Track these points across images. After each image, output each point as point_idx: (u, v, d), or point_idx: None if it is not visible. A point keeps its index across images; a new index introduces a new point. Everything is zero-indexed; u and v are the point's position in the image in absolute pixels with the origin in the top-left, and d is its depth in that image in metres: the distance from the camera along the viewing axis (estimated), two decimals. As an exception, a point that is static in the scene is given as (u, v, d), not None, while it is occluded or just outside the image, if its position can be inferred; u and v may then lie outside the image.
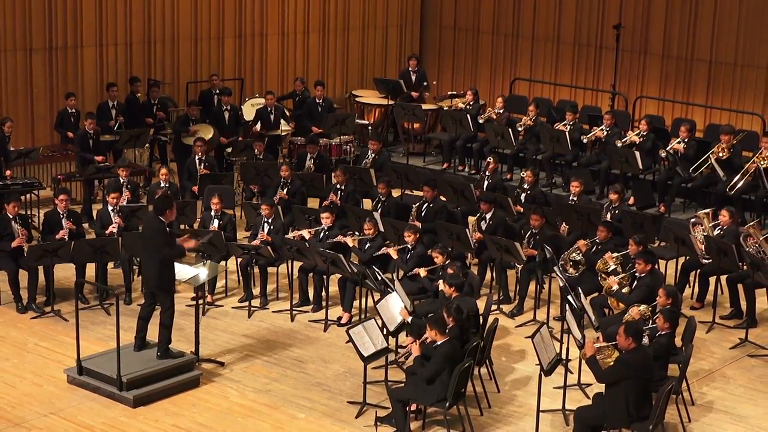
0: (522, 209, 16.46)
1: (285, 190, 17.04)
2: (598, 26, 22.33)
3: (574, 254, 14.79)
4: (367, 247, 15.00)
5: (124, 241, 14.80)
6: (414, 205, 16.49)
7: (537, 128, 19.96)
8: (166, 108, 20.30)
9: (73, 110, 19.08)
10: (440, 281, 13.46)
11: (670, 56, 21.54)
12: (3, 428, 11.66)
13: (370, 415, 12.10)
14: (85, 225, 16.18)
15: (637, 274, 13.62)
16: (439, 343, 11.55)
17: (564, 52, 22.91)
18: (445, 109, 21.64)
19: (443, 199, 17.00)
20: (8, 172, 17.36)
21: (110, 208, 15.39)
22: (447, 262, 13.74)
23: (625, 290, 13.66)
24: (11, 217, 14.70)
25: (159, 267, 12.49)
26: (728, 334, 14.66)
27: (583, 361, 11.72)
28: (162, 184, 16.57)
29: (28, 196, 17.68)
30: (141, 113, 19.81)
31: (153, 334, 12.92)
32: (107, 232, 15.16)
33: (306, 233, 15.25)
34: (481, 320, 12.85)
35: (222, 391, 12.69)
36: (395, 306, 12.56)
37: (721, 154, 17.79)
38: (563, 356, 12.52)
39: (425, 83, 22.62)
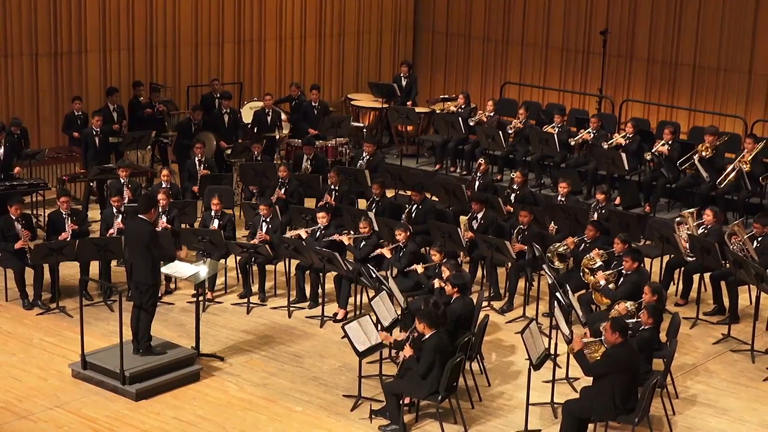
0: (512, 209, 16.46)
1: (282, 190, 17.05)
2: (585, 32, 22.35)
3: (561, 248, 14.81)
4: (362, 245, 15.00)
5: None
6: (405, 210, 16.50)
7: (526, 131, 19.98)
8: (168, 112, 20.26)
9: (79, 113, 19.07)
10: (436, 279, 13.48)
11: (655, 61, 21.56)
12: (10, 421, 11.66)
13: (365, 408, 12.10)
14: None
15: (623, 271, 13.65)
16: (427, 336, 11.55)
17: (552, 57, 22.92)
18: (437, 112, 21.63)
19: (435, 199, 16.99)
20: (17, 170, 17.36)
21: (114, 210, 15.38)
22: (444, 260, 13.75)
23: (611, 286, 13.68)
24: (14, 218, 14.68)
25: (150, 266, 12.50)
26: (711, 329, 14.68)
27: (571, 356, 11.73)
28: (164, 185, 16.55)
29: (33, 196, 17.69)
30: (143, 117, 19.81)
31: (154, 330, 12.93)
32: (108, 234, 15.13)
33: (303, 232, 15.24)
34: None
35: (221, 385, 12.69)
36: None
37: (704, 153, 17.82)
38: (552, 351, 12.53)
39: (414, 91, 22.63)
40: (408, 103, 22.00)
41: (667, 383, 12.27)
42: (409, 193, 17.76)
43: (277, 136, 20.38)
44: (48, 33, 19.61)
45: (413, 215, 16.32)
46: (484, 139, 19.70)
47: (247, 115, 20.98)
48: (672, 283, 15.61)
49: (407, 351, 11.74)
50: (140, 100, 20.06)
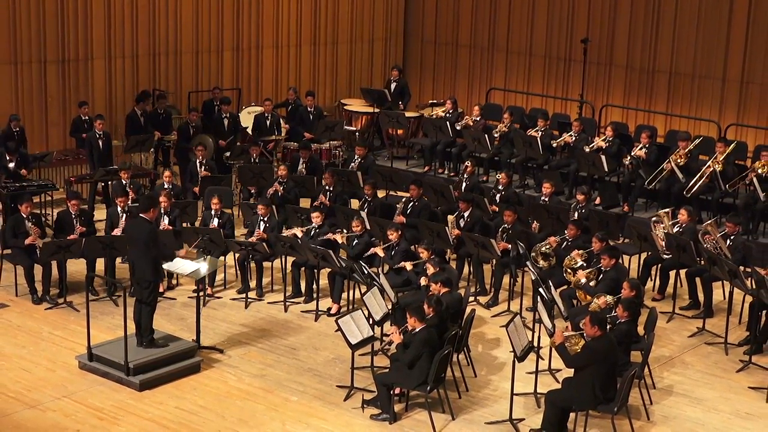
0: (497, 208, 16.48)
1: (282, 187, 17.05)
2: (567, 40, 22.37)
3: (544, 248, 14.83)
4: (354, 243, 15.00)
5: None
6: (401, 201, 16.49)
7: (511, 134, 19.97)
8: (170, 116, 20.26)
9: (86, 117, 19.05)
10: (422, 278, 13.46)
11: (633, 68, 21.59)
12: (20, 410, 11.65)
13: (357, 398, 12.11)
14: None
15: (602, 268, 13.67)
16: (417, 330, 11.58)
17: (536, 64, 22.94)
18: (426, 116, 21.64)
19: (425, 198, 17.01)
20: (23, 172, 17.32)
21: (119, 209, 15.38)
22: (432, 257, 13.75)
23: (592, 283, 13.69)
24: (25, 216, 14.68)
25: (150, 263, 12.49)
26: (687, 323, 14.71)
27: (553, 349, 11.75)
28: (166, 186, 16.54)
29: (42, 196, 17.67)
30: (147, 121, 19.80)
31: (157, 324, 12.93)
32: (114, 232, 15.12)
33: (298, 231, 15.24)
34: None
35: (221, 376, 12.69)
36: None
37: (679, 161, 17.81)
38: (535, 344, 12.53)
39: (407, 94, 22.59)
40: (399, 104, 22.03)
41: (645, 374, 12.29)
42: (399, 193, 17.80)
43: (277, 138, 20.38)
44: (56, 41, 19.57)
45: (408, 210, 16.31)
46: (471, 142, 19.72)
47: (245, 119, 20.98)
48: (649, 279, 15.63)
49: (396, 337, 11.75)
50: (146, 110, 19.96)
